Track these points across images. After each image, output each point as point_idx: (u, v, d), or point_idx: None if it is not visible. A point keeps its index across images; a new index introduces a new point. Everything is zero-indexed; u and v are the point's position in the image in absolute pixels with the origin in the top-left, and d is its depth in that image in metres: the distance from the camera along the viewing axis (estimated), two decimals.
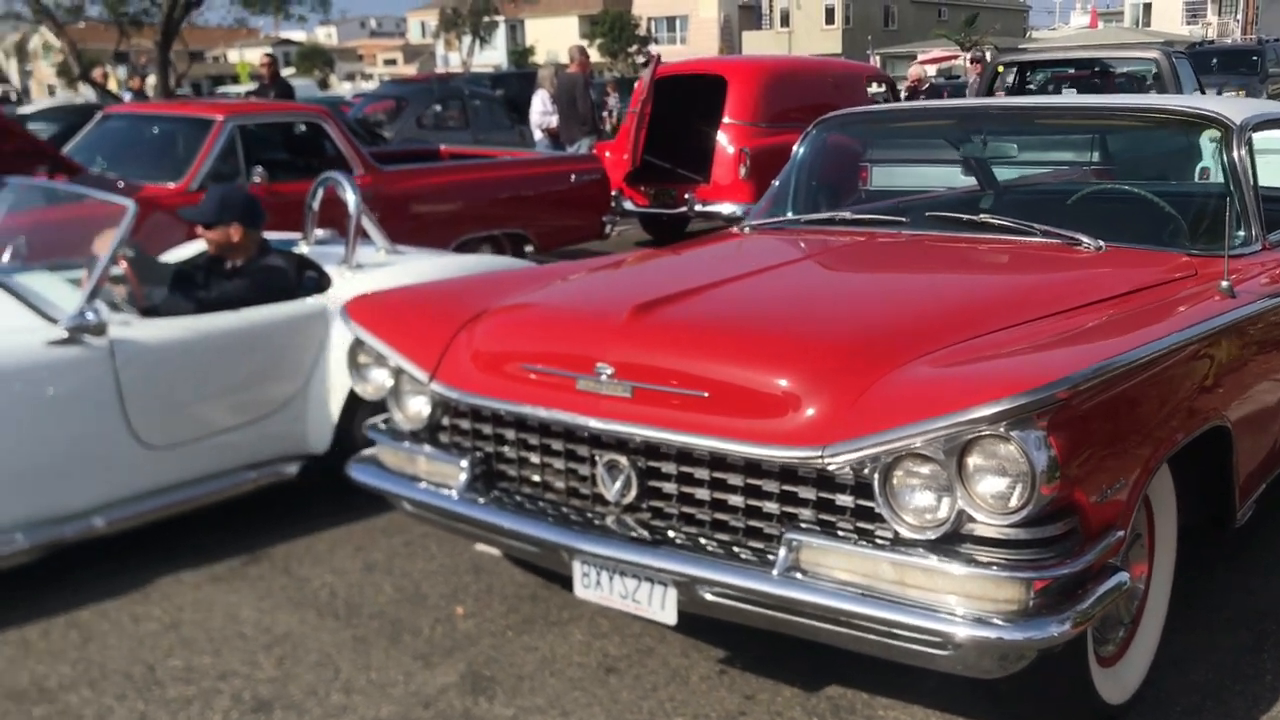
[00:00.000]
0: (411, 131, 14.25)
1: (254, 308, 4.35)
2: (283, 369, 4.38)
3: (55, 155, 6.79)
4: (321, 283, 4.65)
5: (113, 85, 16.39)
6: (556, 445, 3.08)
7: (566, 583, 3.73)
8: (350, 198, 4.83)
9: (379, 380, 3.48)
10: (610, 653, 3.46)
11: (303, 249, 5.03)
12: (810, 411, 2.62)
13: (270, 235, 5.08)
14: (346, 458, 4.28)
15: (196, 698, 3.23)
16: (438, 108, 15.22)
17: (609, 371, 2.89)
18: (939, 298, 3.29)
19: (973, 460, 2.44)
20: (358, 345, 3.50)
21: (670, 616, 2.90)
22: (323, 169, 7.84)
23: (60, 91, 46.73)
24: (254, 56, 58.60)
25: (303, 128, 7.99)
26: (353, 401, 4.28)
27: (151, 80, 15.86)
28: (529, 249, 8.87)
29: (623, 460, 2.92)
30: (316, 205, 5.15)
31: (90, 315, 3.79)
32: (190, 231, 5.11)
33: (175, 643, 3.54)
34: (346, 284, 4.56)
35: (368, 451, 3.65)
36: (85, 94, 15.28)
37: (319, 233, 5.20)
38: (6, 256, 4.65)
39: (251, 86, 26.23)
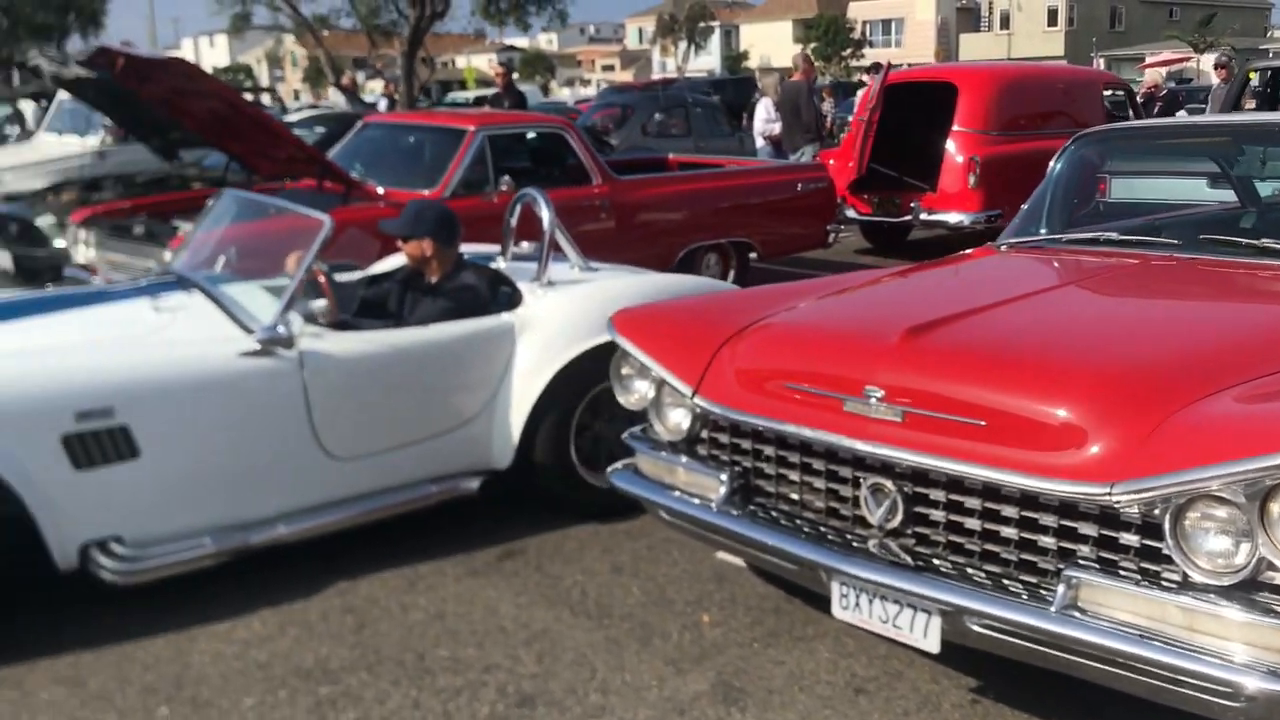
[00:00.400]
0: (636, 139, 14.45)
1: (444, 323, 4.38)
2: (469, 385, 4.37)
3: (325, 163, 7.15)
4: (514, 299, 4.63)
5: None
6: (818, 465, 3.07)
7: (810, 597, 3.74)
8: (544, 214, 4.75)
9: (641, 391, 3.54)
10: (858, 673, 3.41)
11: (500, 264, 5.03)
12: (1096, 446, 2.52)
13: (470, 249, 5.14)
14: (527, 474, 4.49)
15: (464, 688, 3.35)
16: (660, 115, 15.37)
17: (879, 395, 2.85)
18: (1226, 328, 3.11)
19: (1278, 507, 2.29)
20: (622, 357, 3.56)
21: (933, 645, 2.84)
22: (564, 178, 8.08)
23: (304, 97, 49.33)
24: (480, 62, 60.74)
25: (546, 138, 8.19)
26: (535, 418, 4.38)
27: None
28: (753, 256, 8.88)
29: (889, 485, 2.87)
30: (515, 221, 5.15)
31: (281, 328, 3.88)
32: (389, 245, 5.19)
33: (441, 633, 3.68)
34: (537, 301, 4.58)
35: (625, 460, 3.71)
36: (335, 100, 16.08)
37: (525, 246, 5.18)
38: (219, 266, 4.82)
39: (479, 92, 27.23)
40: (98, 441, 3.58)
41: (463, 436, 4.35)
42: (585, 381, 4.45)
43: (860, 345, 3.07)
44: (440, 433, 4.30)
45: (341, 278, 5.03)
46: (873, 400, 2.86)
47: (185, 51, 79.79)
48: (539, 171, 8.23)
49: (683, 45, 56.31)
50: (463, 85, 32.58)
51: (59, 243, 8.32)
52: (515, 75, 16.40)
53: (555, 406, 4.42)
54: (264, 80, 62.15)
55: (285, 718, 3.20)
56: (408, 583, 4.04)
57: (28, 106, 14.42)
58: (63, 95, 11.09)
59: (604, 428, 4.54)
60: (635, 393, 3.57)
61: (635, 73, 68.95)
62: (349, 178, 7.16)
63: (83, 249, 7.31)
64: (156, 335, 4.04)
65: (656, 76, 51.61)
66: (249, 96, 13.05)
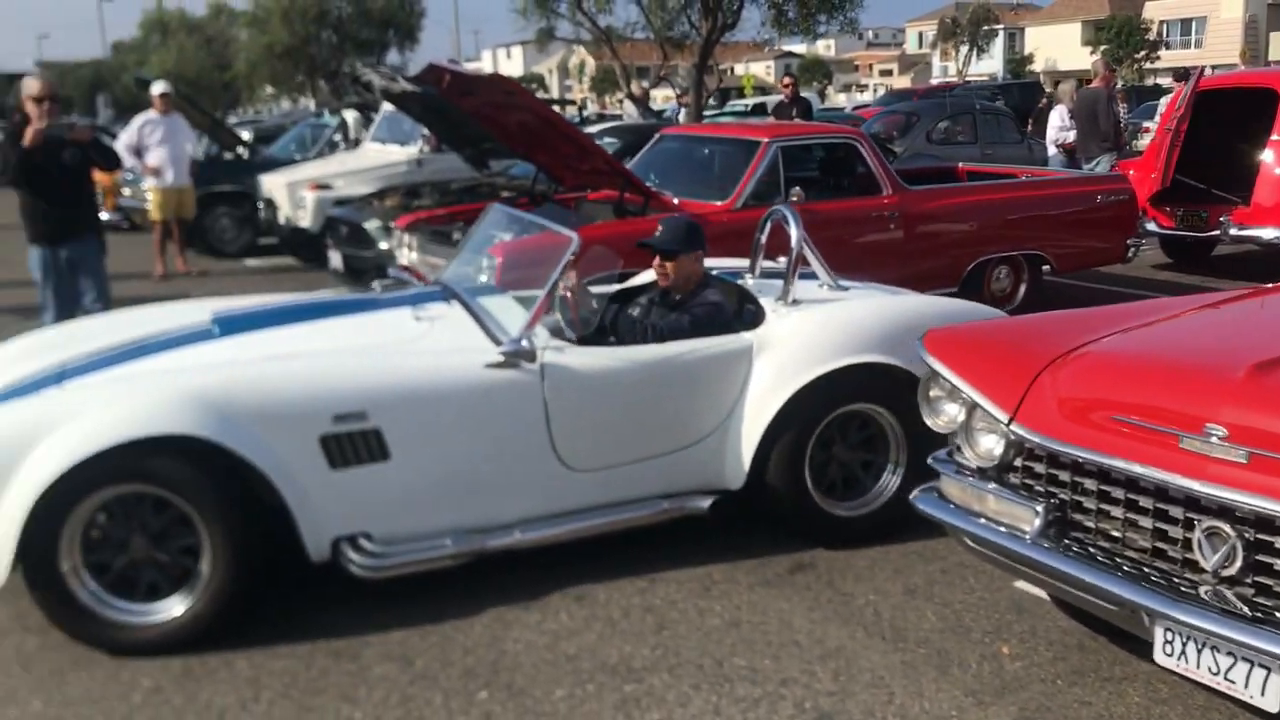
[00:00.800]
0: (921, 146, 14.10)
1: (682, 341, 4.33)
2: (704, 403, 4.29)
3: (626, 174, 7.33)
4: (757, 317, 4.55)
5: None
6: (1144, 503, 2.88)
7: (1117, 637, 3.53)
8: (793, 231, 4.62)
9: (950, 414, 3.43)
10: None
11: (747, 281, 4.94)
12: None
13: (719, 263, 5.11)
14: (759, 494, 4.37)
15: (762, 699, 3.35)
16: (946, 122, 14.94)
17: (1221, 433, 2.65)
18: None
19: None
20: (931, 378, 3.47)
21: (1272, 704, 2.62)
22: (853, 189, 7.98)
23: (590, 105, 50.81)
24: (758, 69, 60.92)
25: (837, 148, 8.11)
26: (768, 441, 4.28)
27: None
28: (1045, 269, 8.49)
29: (1227, 529, 2.67)
30: (764, 237, 5.06)
31: (525, 342, 3.96)
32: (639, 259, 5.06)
33: (738, 641, 3.69)
34: (779, 320, 4.46)
35: (928, 483, 3.61)
36: (628, 109, 16.48)
37: (778, 261, 5.05)
38: (484, 277, 4.94)
39: (757, 100, 27.33)
40: (352, 443, 3.76)
41: (697, 454, 4.31)
42: (823, 406, 4.35)
43: (1201, 379, 2.86)
44: (675, 449, 4.27)
45: (598, 290, 5.11)
46: (1214, 439, 2.66)
47: (485, 63, 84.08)
48: (829, 182, 8.16)
49: (964, 49, 54.54)
50: (740, 93, 32.72)
51: (383, 245, 8.90)
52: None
53: (790, 430, 4.29)
54: (555, 90, 64.61)
55: (593, 712, 3.30)
56: (702, 587, 4.09)
57: (350, 116, 15.49)
58: (388, 107, 11.85)
59: (844, 453, 4.48)
60: (944, 415, 3.46)
61: (914, 78, 67.39)
62: (648, 189, 7.31)
63: (406, 252, 7.79)
64: (413, 344, 4.20)
65: (936, 81, 50.27)
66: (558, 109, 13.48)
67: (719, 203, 7.21)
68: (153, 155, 11.46)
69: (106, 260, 7.13)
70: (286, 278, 11.02)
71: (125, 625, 3.55)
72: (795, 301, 4.55)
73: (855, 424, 4.49)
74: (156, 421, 3.47)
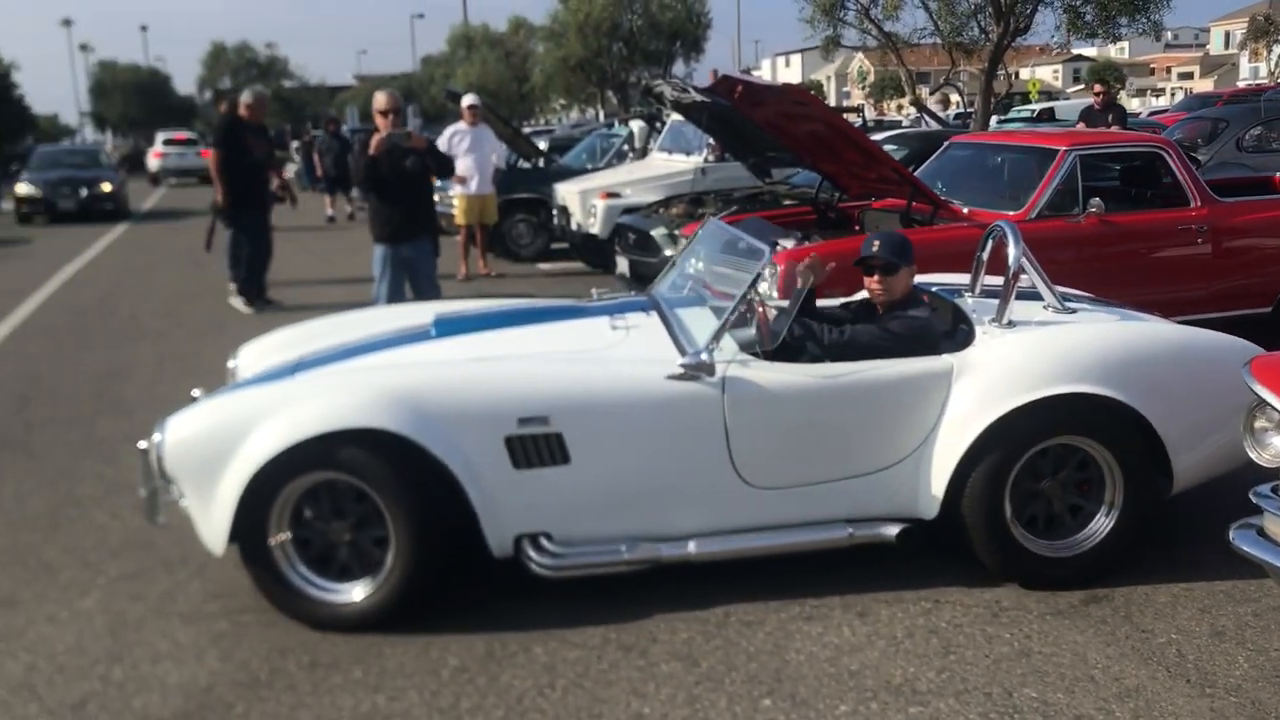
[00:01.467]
0: (1230, 154, 13.03)
1: (875, 361, 4.08)
2: (896, 427, 4.03)
3: (915, 183, 7.15)
4: (967, 338, 4.24)
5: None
6: None
7: None
8: (1010, 249, 4.30)
9: (1278, 447, 3.14)
10: None
11: (965, 300, 4.63)
12: None
13: (934, 279, 4.82)
14: (953, 525, 4.05)
15: None
16: (1259, 128, 13.74)
17: None
18: None
19: None
20: (1259, 408, 3.19)
21: None
22: (1158, 200, 7.47)
23: (868, 111, 49.90)
24: (1044, 73, 58.06)
25: (1141, 157, 7.61)
26: (964, 471, 3.97)
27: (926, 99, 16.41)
28: None
29: None
30: (986, 255, 4.76)
31: (705, 355, 3.86)
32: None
33: (1028, 672, 3.52)
34: (988, 342, 4.15)
35: (1247, 519, 3.32)
36: (909, 113, 16.11)
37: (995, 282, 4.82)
38: (688, 288, 4.81)
39: (1043, 105, 26.04)
40: (535, 445, 3.82)
41: (888, 479, 4.07)
42: (1028, 436, 4.02)
43: None
44: (863, 473, 4.05)
45: (823, 302, 4.82)
46: None
47: (764, 71, 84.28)
48: (1131, 192, 7.68)
49: (1277, 49, 50.02)
50: (1025, 98, 31.32)
51: (668, 252, 9.06)
52: (1080, 86, 15.46)
53: (990, 459, 3.98)
54: (832, 97, 63.98)
55: None
56: (990, 613, 3.92)
57: (636, 126, 15.86)
58: (675, 117, 12.07)
59: (1053, 488, 4.14)
60: (1271, 449, 3.17)
61: (1217, 81, 62.50)
62: (936, 198, 7.10)
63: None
64: (604, 352, 4.19)
65: (1243, 84, 46.35)
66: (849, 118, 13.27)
67: (1011, 213, 6.91)
68: (460, 164, 12.10)
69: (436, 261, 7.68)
70: (576, 281, 11.42)
71: (320, 603, 3.81)
72: (1011, 323, 4.24)
73: (1074, 460, 4.14)
74: (351, 415, 3.68)
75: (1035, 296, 4.51)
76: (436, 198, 13.42)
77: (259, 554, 3.75)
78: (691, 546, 3.94)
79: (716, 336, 3.93)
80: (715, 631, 3.78)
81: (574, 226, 11.86)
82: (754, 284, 4.05)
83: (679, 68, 25.11)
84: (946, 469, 3.99)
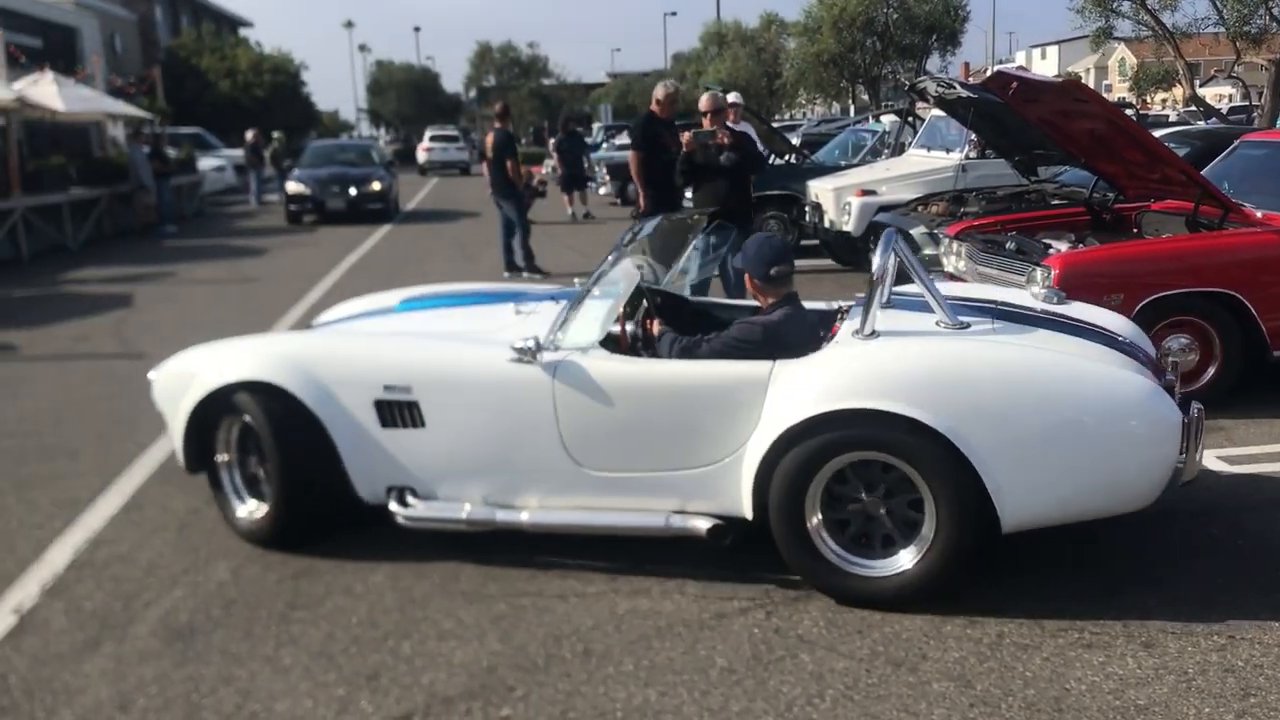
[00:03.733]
0: None
1: (700, 362, 4.18)
2: (717, 428, 4.01)
3: (1206, 186, 6.63)
4: (816, 347, 4.12)
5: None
6: None
7: None
8: (876, 259, 4.14)
9: None
10: None
11: (861, 309, 4.21)
12: None
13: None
14: (767, 526, 3.96)
15: None
16: None
17: None
18: None
19: None
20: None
21: None
22: None
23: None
24: None
25: None
26: (767, 473, 3.90)
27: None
28: None
29: None
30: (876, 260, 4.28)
31: (531, 343, 4.15)
32: None
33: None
34: (827, 352, 4.02)
35: None
36: (1174, 110, 15.02)
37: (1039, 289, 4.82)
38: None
39: None
40: (397, 410, 4.37)
41: (711, 477, 4.06)
42: (828, 447, 3.83)
43: None
44: (687, 468, 4.09)
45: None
46: None
47: (1018, 63, 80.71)
48: None
49: None
50: None
51: (927, 251, 8.78)
52: None
53: (787, 467, 3.86)
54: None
55: None
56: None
57: (888, 121, 15.48)
58: (935, 113, 11.69)
59: (872, 505, 3.94)
60: None
61: None
62: (1228, 200, 6.56)
63: (953, 260, 7.61)
64: (490, 334, 4.54)
65: None
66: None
67: None
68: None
69: None
70: (827, 279, 11.25)
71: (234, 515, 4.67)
72: (875, 333, 4.03)
73: (898, 478, 3.87)
74: (250, 370, 4.49)
75: (979, 311, 4.35)
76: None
77: (213, 472, 4.75)
78: (524, 516, 4.24)
79: (558, 328, 4.25)
80: (989, 653, 3.60)
81: (826, 224, 11.67)
82: (627, 287, 4.42)
83: (933, 62, 24.31)
84: (753, 472, 3.94)
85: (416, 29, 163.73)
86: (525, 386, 4.18)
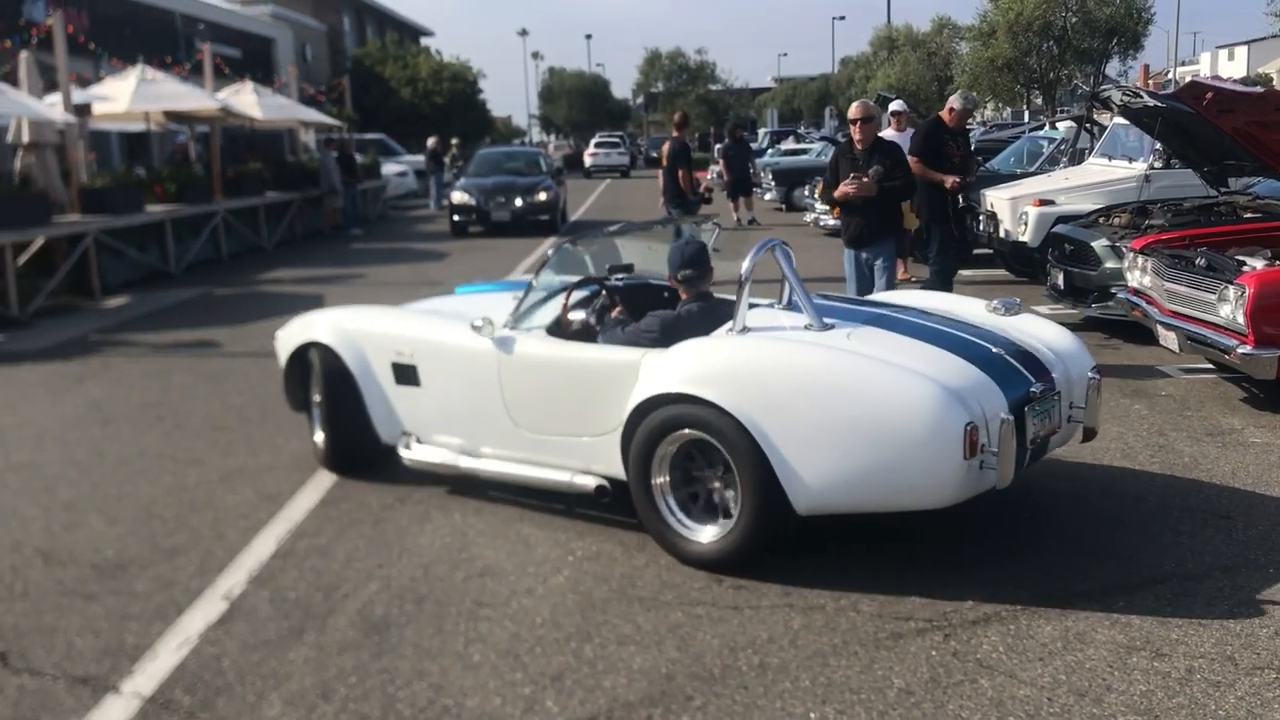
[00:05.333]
0: None
1: (593, 345, 5.02)
2: (605, 402, 4.71)
3: None
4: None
5: None
6: None
7: None
8: (744, 265, 4.72)
9: None
10: None
11: (758, 310, 4.91)
12: None
13: None
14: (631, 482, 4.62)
15: None
16: None
17: None
18: None
19: None
20: None
21: None
22: None
23: None
24: None
25: None
26: (625, 443, 4.61)
27: None
28: None
29: None
30: (746, 266, 4.76)
31: (480, 322, 5.09)
32: None
33: None
34: (685, 346, 4.58)
35: None
36: None
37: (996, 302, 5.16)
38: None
39: None
40: (405, 370, 5.47)
41: (604, 445, 4.75)
42: (665, 423, 4.46)
43: None
44: (587, 435, 4.84)
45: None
46: None
47: (1203, 65, 76.70)
48: None
49: None
50: None
51: (1109, 265, 8.46)
52: None
53: (638, 438, 4.54)
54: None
55: None
56: None
57: (1064, 128, 14.93)
58: (1116, 120, 11.24)
59: (710, 479, 4.49)
60: None
61: None
62: None
63: (1137, 275, 7.33)
64: (480, 315, 5.17)
65: None
66: None
67: None
68: None
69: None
70: (999, 290, 10.93)
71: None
72: (746, 329, 4.64)
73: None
74: (315, 333, 5.80)
75: (857, 316, 4.81)
76: None
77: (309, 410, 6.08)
78: (479, 464, 5.23)
79: (514, 313, 5.15)
80: (1178, 688, 3.47)
81: (1001, 234, 11.34)
82: (537, 270, 5.30)
83: (1113, 66, 23.29)
84: (615, 443, 4.67)
85: (588, 36, 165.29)
86: (480, 357, 5.15)
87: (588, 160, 46.76)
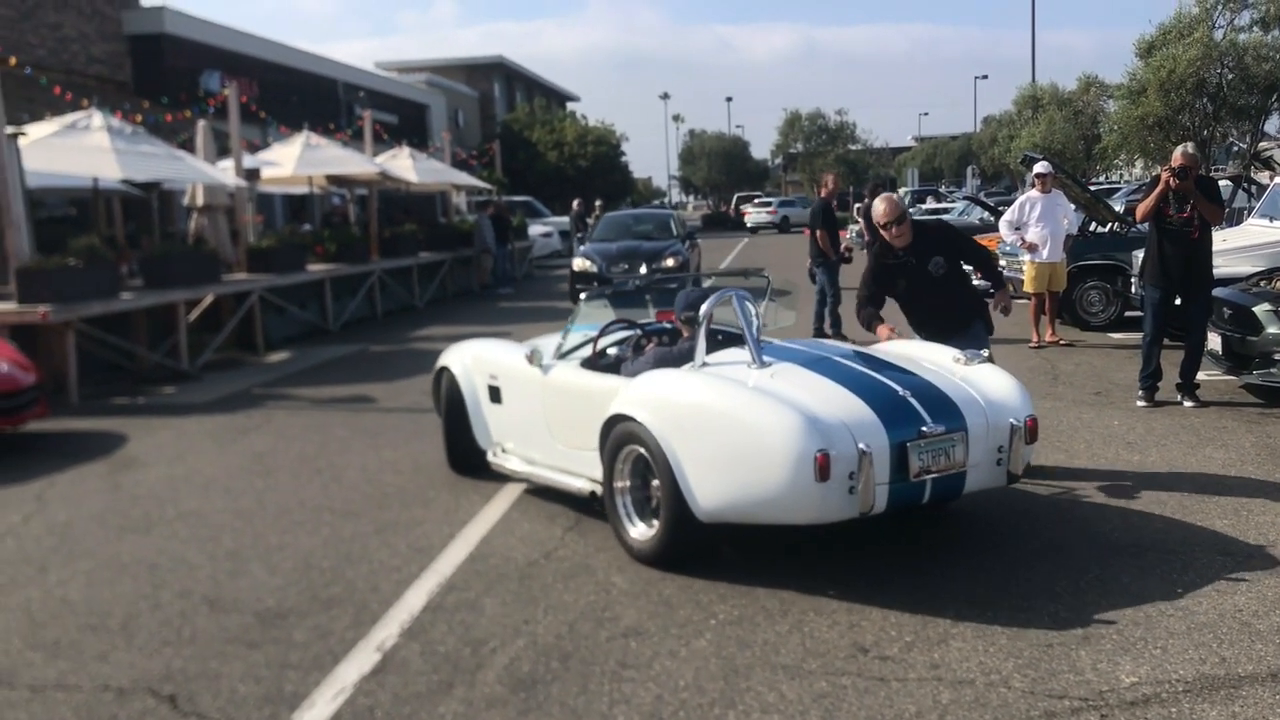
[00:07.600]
0: None
1: (589, 374, 6.04)
2: (595, 422, 5.52)
3: None
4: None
5: None
6: None
7: None
8: (703, 309, 5.58)
9: None
10: None
11: (738, 348, 5.66)
12: None
13: None
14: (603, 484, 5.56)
15: None
16: None
17: None
18: None
19: None
20: None
21: None
22: None
23: None
24: None
25: None
26: (600, 454, 5.55)
27: None
28: None
29: None
30: (705, 311, 5.66)
31: (529, 351, 6.39)
32: None
33: None
34: (649, 376, 5.45)
35: None
36: None
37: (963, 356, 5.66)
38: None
39: None
40: (495, 391, 6.71)
41: (595, 456, 5.59)
42: (620, 438, 5.36)
43: None
44: (581, 448, 5.82)
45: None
46: None
47: None
48: None
49: None
50: None
51: (1271, 330, 8.07)
52: None
53: (606, 449, 5.47)
54: None
55: None
56: None
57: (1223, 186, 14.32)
58: (1277, 180, 10.76)
59: (652, 489, 5.28)
60: None
61: None
62: None
63: None
64: (542, 349, 6.44)
65: None
66: None
67: None
68: (1031, 232, 11.75)
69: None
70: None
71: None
72: (705, 364, 5.49)
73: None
74: (444, 360, 7.32)
75: (791, 355, 5.47)
76: (1003, 263, 13.12)
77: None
78: (531, 469, 6.39)
79: (559, 347, 6.36)
80: None
81: None
82: (607, 326, 6.62)
83: (1272, 123, 22.28)
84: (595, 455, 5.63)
85: (728, 99, 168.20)
86: (532, 383, 6.30)
87: (749, 220, 53.97)
